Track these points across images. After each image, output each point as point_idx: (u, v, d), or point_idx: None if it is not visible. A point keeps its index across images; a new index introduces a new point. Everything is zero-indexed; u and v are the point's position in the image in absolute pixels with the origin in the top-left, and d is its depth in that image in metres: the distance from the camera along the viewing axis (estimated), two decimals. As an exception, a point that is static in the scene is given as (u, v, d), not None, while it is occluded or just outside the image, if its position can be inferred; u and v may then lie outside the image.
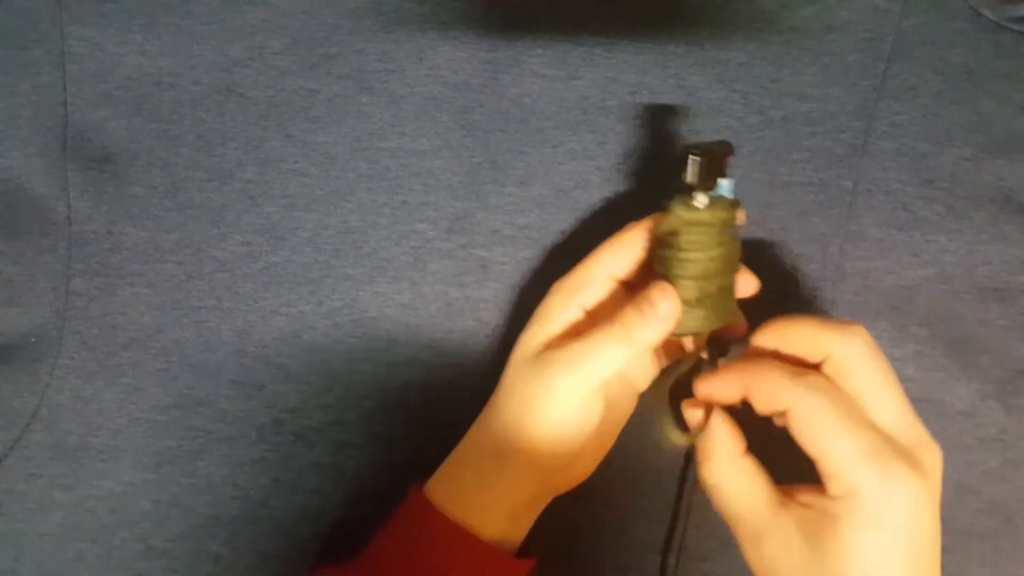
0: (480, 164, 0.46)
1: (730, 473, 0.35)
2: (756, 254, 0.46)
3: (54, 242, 0.46)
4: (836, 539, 0.31)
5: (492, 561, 0.38)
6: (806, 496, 0.33)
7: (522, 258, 0.46)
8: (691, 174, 0.35)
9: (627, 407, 0.42)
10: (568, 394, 0.37)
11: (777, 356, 0.36)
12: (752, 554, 0.34)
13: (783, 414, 0.34)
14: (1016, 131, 0.46)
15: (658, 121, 0.47)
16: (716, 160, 0.36)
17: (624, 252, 0.40)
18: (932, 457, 0.33)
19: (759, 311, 0.46)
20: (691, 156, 0.35)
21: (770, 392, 0.34)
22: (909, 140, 0.46)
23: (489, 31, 0.47)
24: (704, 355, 0.38)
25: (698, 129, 0.46)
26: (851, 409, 0.33)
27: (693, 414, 0.37)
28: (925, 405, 0.46)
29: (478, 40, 0.46)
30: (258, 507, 0.45)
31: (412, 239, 0.46)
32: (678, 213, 0.36)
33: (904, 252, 0.46)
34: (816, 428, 0.32)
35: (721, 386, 0.36)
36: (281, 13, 0.47)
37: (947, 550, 0.45)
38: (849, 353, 0.34)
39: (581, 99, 0.47)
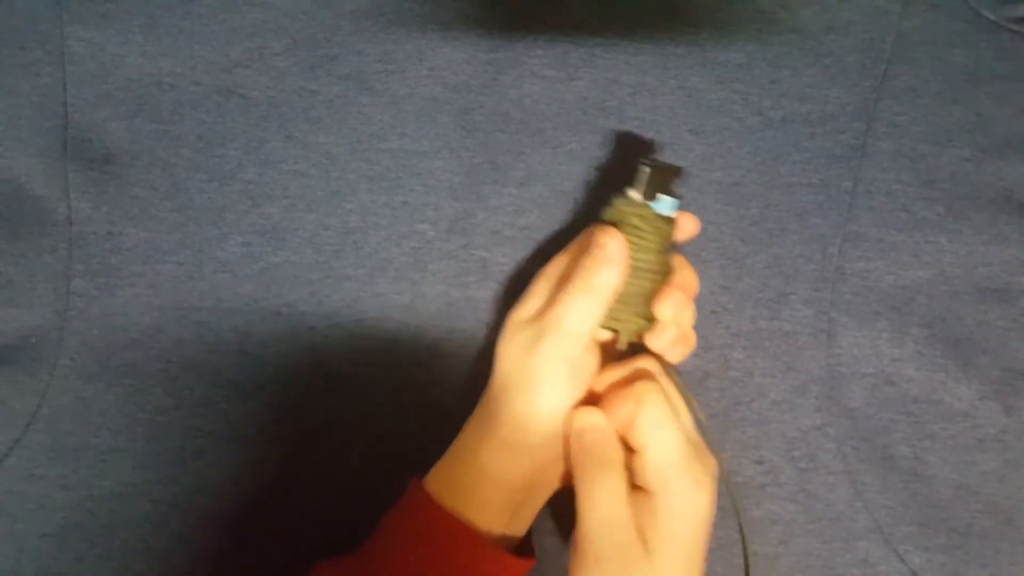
0: (480, 165, 0.46)
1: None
2: (756, 254, 0.46)
3: (54, 242, 0.46)
4: (654, 528, 0.37)
5: (490, 555, 0.38)
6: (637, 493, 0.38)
7: (522, 259, 0.46)
8: (637, 181, 0.40)
9: None
10: (553, 361, 0.38)
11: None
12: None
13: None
14: (1016, 131, 0.46)
15: (657, 123, 0.47)
16: (663, 176, 0.40)
17: None
18: (712, 462, 0.39)
19: (760, 311, 0.46)
20: (641, 165, 0.40)
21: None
22: (909, 140, 0.47)
23: (489, 32, 0.47)
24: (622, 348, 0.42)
25: (698, 129, 0.47)
26: (673, 413, 0.38)
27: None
28: (925, 405, 0.46)
29: (478, 41, 0.47)
30: (258, 507, 0.45)
31: (412, 240, 0.46)
32: (614, 204, 0.40)
33: (904, 253, 0.46)
34: (646, 424, 0.38)
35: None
36: (281, 14, 0.47)
37: (947, 550, 0.45)
38: (656, 372, 0.41)
39: (581, 99, 0.47)
